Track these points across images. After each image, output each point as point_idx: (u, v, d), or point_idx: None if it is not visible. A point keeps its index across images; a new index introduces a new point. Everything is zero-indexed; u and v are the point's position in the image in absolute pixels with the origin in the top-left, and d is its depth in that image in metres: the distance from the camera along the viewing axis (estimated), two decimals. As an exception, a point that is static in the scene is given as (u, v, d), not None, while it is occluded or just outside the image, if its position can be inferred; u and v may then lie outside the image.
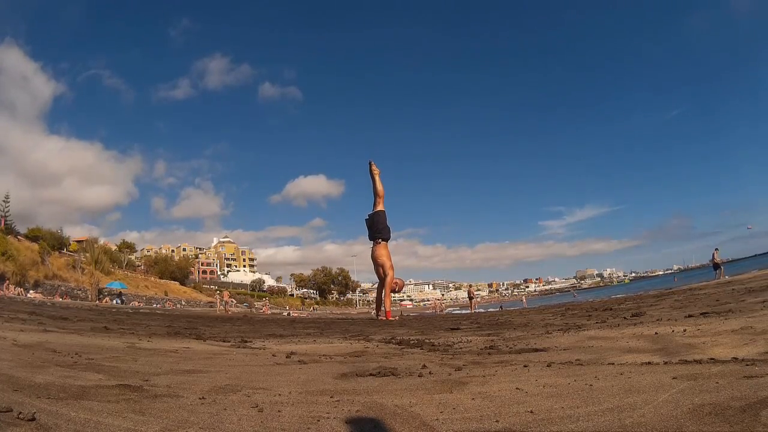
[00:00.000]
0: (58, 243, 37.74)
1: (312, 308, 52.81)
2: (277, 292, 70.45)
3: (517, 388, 1.59)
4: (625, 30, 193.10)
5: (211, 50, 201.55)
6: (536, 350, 2.53)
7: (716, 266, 17.88)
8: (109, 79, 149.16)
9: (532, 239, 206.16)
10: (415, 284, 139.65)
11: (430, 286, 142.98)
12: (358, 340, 3.77)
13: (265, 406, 1.43)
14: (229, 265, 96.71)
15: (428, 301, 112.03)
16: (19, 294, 23.25)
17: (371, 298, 75.38)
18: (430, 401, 1.48)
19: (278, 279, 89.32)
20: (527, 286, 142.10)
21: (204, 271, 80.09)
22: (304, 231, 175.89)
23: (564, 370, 1.89)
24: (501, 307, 25.45)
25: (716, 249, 18.61)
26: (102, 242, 47.27)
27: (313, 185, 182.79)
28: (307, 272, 77.30)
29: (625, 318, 4.07)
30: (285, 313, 26.18)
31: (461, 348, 2.94)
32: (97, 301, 27.47)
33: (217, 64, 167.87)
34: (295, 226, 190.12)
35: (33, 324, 4.45)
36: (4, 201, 36.78)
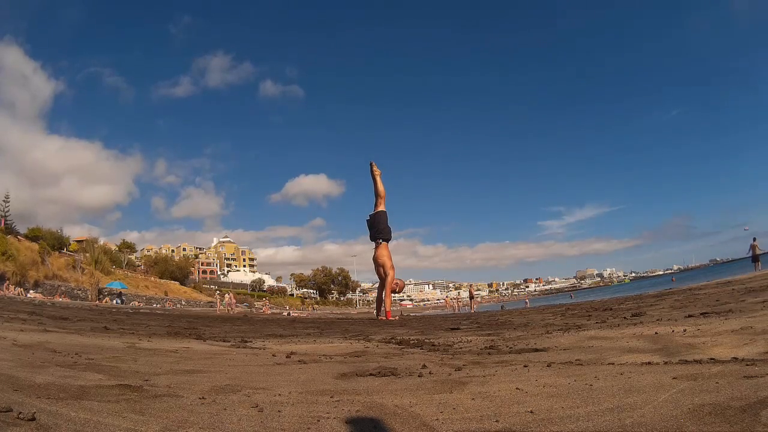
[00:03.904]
0: (58, 243, 37.73)
1: (312, 308, 52.80)
2: (277, 292, 70.48)
3: (517, 388, 1.59)
4: (625, 30, 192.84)
5: (212, 48, 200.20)
6: (536, 350, 2.53)
7: (755, 258, 16.66)
8: (109, 77, 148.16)
9: (532, 239, 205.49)
10: (415, 284, 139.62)
11: (430, 286, 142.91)
12: (358, 340, 3.77)
13: (265, 406, 1.43)
14: (229, 265, 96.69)
15: (428, 300, 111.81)
16: (19, 294, 23.27)
17: (371, 298, 75.37)
18: (430, 401, 1.48)
19: (278, 279, 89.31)
20: (527, 286, 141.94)
21: (204, 271, 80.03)
22: (304, 231, 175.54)
23: (564, 370, 1.89)
24: (502, 306, 25.45)
25: (754, 238, 17.25)
26: (102, 242, 47.36)
27: (314, 184, 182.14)
28: (307, 272, 77.33)
29: (625, 318, 4.07)
30: (285, 313, 26.17)
31: (461, 348, 2.94)
32: (97, 301, 27.50)
33: (218, 61, 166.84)
34: (295, 226, 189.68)
35: (33, 324, 4.45)
36: (4, 201, 36.83)
